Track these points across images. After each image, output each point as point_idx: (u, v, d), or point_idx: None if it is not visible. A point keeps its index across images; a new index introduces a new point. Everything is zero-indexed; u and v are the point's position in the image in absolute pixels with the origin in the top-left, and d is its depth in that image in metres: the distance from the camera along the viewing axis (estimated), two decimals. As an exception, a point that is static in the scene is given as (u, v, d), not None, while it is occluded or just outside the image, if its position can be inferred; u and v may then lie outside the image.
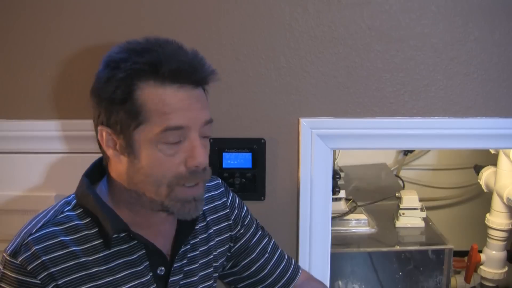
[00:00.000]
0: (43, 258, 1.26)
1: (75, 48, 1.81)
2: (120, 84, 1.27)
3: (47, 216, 1.35)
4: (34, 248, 1.27)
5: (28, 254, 1.26)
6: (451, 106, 1.81)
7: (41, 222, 1.33)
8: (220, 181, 1.66)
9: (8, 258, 1.28)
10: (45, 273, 1.26)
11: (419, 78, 1.79)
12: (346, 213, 2.54)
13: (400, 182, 3.43)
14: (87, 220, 1.35)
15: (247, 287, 1.71)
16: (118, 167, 1.35)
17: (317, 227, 1.87)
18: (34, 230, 1.30)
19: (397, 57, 1.78)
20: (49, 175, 1.91)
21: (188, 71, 1.27)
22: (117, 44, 1.33)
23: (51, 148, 1.89)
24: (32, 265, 1.25)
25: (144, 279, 1.39)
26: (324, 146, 1.82)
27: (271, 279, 1.68)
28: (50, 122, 1.85)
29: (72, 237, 1.32)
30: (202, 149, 1.30)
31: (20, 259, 1.26)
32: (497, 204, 2.84)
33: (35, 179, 1.92)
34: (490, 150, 2.83)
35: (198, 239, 1.53)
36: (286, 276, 1.70)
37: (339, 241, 2.42)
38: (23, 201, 1.93)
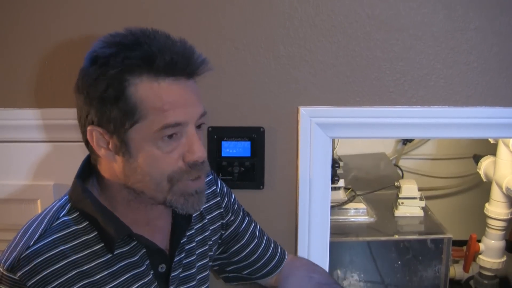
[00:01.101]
0: (44, 273, 1.22)
1: (69, 32, 1.80)
2: (112, 81, 1.21)
3: (43, 224, 1.29)
4: (34, 262, 1.22)
5: (27, 268, 1.21)
6: (451, 95, 1.80)
7: (38, 232, 1.26)
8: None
9: (5, 273, 1.22)
10: None
11: (419, 67, 1.78)
12: (345, 202, 2.54)
13: (399, 172, 3.43)
14: (85, 224, 1.31)
15: (235, 270, 1.71)
16: (112, 166, 1.31)
17: (316, 216, 1.86)
18: (32, 242, 1.25)
19: (396, 46, 1.77)
20: (48, 164, 1.91)
21: (182, 62, 1.23)
22: (100, 38, 1.27)
23: (49, 137, 1.89)
24: (33, 281, 1.21)
25: (146, 279, 1.37)
26: (323, 135, 1.82)
27: (260, 263, 1.69)
28: (48, 111, 1.85)
29: (71, 245, 1.28)
30: (199, 143, 1.28)
31: (19, 274, 1.20)
32: (496, 194, 2.85)
33: (34, 169, 1.92)
34: (490, 139, 2.83)
35: (193, 230, 1.52)
36: (276, 259, 1.71)
37: (338, 230, 2.42)
38: (21, 191, 1.92)
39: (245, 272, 1.71)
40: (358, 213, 2.55)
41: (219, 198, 1.61)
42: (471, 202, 3.53)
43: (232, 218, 1.65)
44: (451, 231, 2.47)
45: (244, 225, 1.68)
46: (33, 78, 1.83)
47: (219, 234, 1.62)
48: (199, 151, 1.27)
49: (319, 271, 1.72)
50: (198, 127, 1.31)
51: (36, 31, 1.80)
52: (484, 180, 2.97)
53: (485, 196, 2.96)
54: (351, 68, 1.78)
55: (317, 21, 1.75)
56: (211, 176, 1.62)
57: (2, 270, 1.22)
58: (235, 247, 1.67)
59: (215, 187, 1.62)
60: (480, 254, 2.90)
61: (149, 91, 1.22)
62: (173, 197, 1.29)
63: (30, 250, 1.23)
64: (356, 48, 1.77)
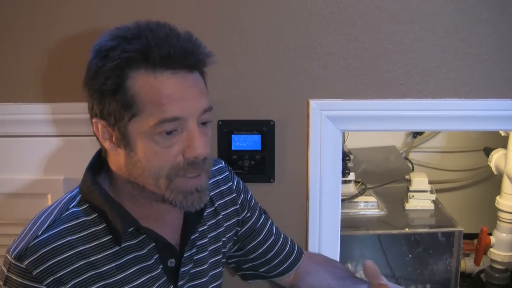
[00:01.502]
0: (50, 262, 1.22)
1: (77, 28, 1.80)
2: (110, 74, 1.22)
3: (52, 215, 1.30)
4: (41, 252, 1.23)
5: (34, 257, 1.22)
6: (462, 88, 1.79)
7: (47, 223, 1.28)
8: (224, 165, 1.64)
9: (12, 261, 1.23)
10: (52, 278, 1.22)
11: (429, 59, 1.77)
12: (355, 196, 2.53)
13: (409, 165, 3.42)
14: (94, 216, 1.32)
15: (252, 268, 1.71)
16: (117, 160, 1.31)
17: (326, 209, 1.86)
18: (40, 231, 1.26)
19: (407, 38, 1.76)
20: (58, 159, 1.91)
21: (180, 55, 1.21)
22: (107, 31, 1.28)
23: (59, 132, 1.89)
24: (38, 270, 1.21)
25: (154, 273, 1.37)
26: (334, 128, 1.81)
27: (277, 260, 1.68)
28: (58, 105, 1.85)
29: (79, 235, 1.28)
30: (201, 139, 1.25)
31: (25, 263, 1.21)
32: (507, 187, 2.83)
33: (44, 163, 1.92)
34: (501, 132, 2.82)
35: (206, 226, 1.51)
36: (293, 256, 1.70)
37: (348, 224, 2.41)
38: (31, 185, 1.92)
39: (262, 270, 1.70)
40: (369, 206, 2.54)
41: (235, 195, 1.60)
42: (481, 195, 3.51)
43: (249, 215, 1.64)
44: (462, 224, 2.46)
45: (260, 222, 1.67)
46: (42, 72, 1.84)
47: (234, 231, 1.62)
48: (199, 147, 1.24)
49: (340, 266, 1.72)
50: (204, 123, 1.30)
51: (45, 25, 1.80)
52: (495, 173, 2.95)
53: (496, 189, 2.95)
54: (361, 60, 1.77)
55: (326, 14, 1.75)
56: (227, 172, 1.62)
57: (10, 259, 1.24)
58: (252, 245, 1.66)
59: (231, 183, 1.61)
60: (491, 247, 2.89)
61: (146, 84, 1.21)
62: (171, 194, 1.27)
63: (37, 240, 1.24)
64: (366, 41, 1.76)
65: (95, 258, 1.28)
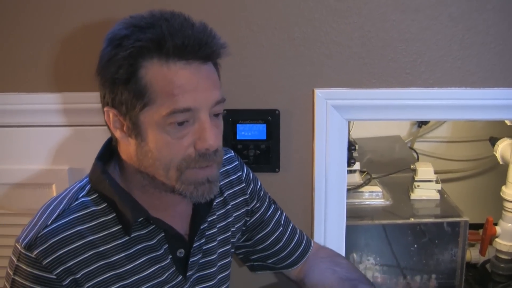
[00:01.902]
0: (60, 252, 1.23)
1: (86, 18, 1.80)
2: (123, 63, 1.21)
3: (62, 205, 1.30)
4: (51, 241, 1.23)
5: (43, 247, 1.22)
6: (468, 77, 1.78)
7: (56, 212, 1.28)
8: (233, 154, 1.64)
9: (22, 250, 1.23)
10: (62, 268, 1.22)
11: (435, 48, 1.76)
12: (361, 185, 2.53)
13: (414, 155, 3.41)
14: (103, 205, 1.32)
15: (260, 259, 1.71)
16: (128, 149, 1.31)
17: (332, 199, 1.86)
18: (50, 221, 1.26)
19: (413, 27, 1.75)
20: (62, 149, 1.91)
21: (194, 46, 1.21)
22: (121, 20, 1.27)
23: (63, 121, 1.88)
24: (48, 260, 1.22)
25: (164, 263, 1.37)
26: (339, 117, 1.80)
27: (285, 252, 1.68)
28: (62, 95, 1.85)
29: (88, 225, 1.28)
30: (213, 131, 1.25)
31: (35, 253, 1.22)
32: (512, 176, 2.82)
33: (48, 153, 1.92)
34: (506, 121, 2.80)
35: (215, 216, 1.52)
36: (301, 248, 1.70)
37: (353, 214, 2.41)
38: (36, 175, 1.92)
39: (270, 262, 1.70)
40: (374, 196, 2.53)
41: (244, 185, 1.61)
42: (487, 185, 3.51)
43: (258, 205, 1.64)
44: (467, 214, 2.45)
45: (269, 213, 1.67)
46: (48, 62, 1.83)
47: (243, 221, 1.62)
48: (211, 139, 1.24)
49: (343, 264, 1.70)
50: (216, 115, 1.29)
51: (51, 15, 1.80)
52: (501, 162, 2.94)
53: (502, 178, 2.93)
54: (366, 49, 1.76)
55: (332, 2, 1.74)
56: (237, 162, 1.62)
57: (20, 248, 1.24)
58: (260, 235, 1.66)
59: (240, 173, 1.61)
60: (497, 237, 2.88)
61: (159, 74, 1.21)
62: (182, 186, 1.27)
63: (47, 230, 1.24)
64: (372, 29, 1.75)
65: (104, 248, 1.29)
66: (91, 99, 1.79)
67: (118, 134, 1.29)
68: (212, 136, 1.24)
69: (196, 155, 1.25)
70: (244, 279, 1.90)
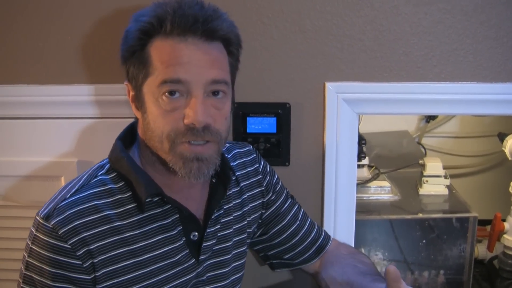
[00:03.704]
0: (76, 223, 1.26)
1: (103, 11, 1.79)
2: (133, 37, 1.29)
3: (81, 181, 1.35)
4: (67, 213, 1.27)
5: (60, 218, 1.26)
6: (480, 71, 1.77)
7: (76, 187, 1.33)
8: (252, 148, 1.66)
9: (41, 221, 1.28)
10: (77, 238, 1.25)
11: (447, 42, 1.75)
12: (369, 180, 2.51)
13: (422, 150, 3.39)
14: (121, 184, 1.35)
15: (277, 254, 1.71)
16: (140, 123, 1.37)
17: (342, 193, 1.85)
18: (69, 195, 1.31)
19: (425, 20, 1.74)
20: (71, 141, 1.91)
21: (191, 22, 1.25)
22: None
23: (72, 114, 1.88)
24: (64, 229, 1.25)
25: (177, 244, 1.39)
26: (350, 111, 1.79)
27: (302, 246, 1.68)
28: (71, 87, 1.84)
29: (105, 201, 1.32)
30: (202, 107, 1.26)
31: (52, 223, 1.25)
32: (521, 172, 2.81)
33: (57, 145, 1.91)
34: (516, 116, 2.79)
35: (231, 204, 1.53)
36: (317, 244, 1.70)
37: (362, 208, 2.39)
38: (45, 167, 1.92)
39: (287, 257, 1.71)
40: (382, 191, 2.52)
41: (260, 176, 1.63)
42: (495, 181, 3.49)
43: (273, 197, 1.65)
44: (474, 210, 2.44)
45: (285, 206, 1.68)
46: (57, 54, 1.83)
47: (259, 212, 1.63)
48: (196, 114, 1.26)
49: (365, 261, 1.70)
50: (216, 95, 1.31)
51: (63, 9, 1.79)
52: (510, 158, 2.92)
53: (510, 174, 2.92)
54: (378, 42, 1.76)
55: (344, -6, 1.73)
56: (254, 155, 1.65)
57: (39, 219, 1.29)
58: (276, 228, 1.67)
59: (257, 165, 1.64)
60: (505, 233, 2.87)
61: (159, 47, 1.28)
62: (173, 158, 1.30)
63: (65, 202, 1.29)
64: (384, 22, 1.74)
65: (119, 223, 1.32)
66: (101, 91, 1.81)
67: (133, 108, 1.36)
68: (199, 111, 1.26)
69: (185, 130, 1.27)
70: (257, 274, 1.92)
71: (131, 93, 1.36)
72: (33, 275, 1.28)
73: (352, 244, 1.91)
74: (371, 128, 3.31)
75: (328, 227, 1.87)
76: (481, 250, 2.96)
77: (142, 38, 1.28)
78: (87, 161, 1.86)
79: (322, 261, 1.71)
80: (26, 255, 1.31)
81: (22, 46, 1.83)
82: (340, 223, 1.87)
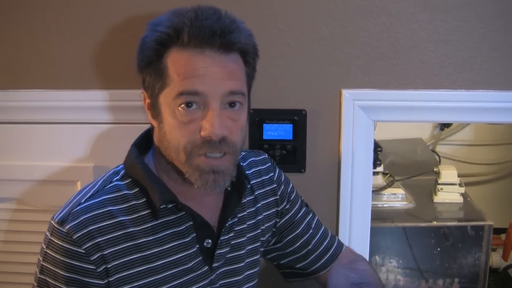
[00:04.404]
0: (90, 228, 1.27)
1: (119, 17, 1.80)
2: (150, 47, 1.29)
3: (96, 186, 1.35)
4: (82, 218, 1.27)
5: (75, 222, 1.26)
6: (496, 79, 1.77)
7: (90, 192, 1.33)
8: (267, 156, 1.66)
9: (55, 225, 1.28)
10: (91, 243, 1.26)
11: (463, 50, 1.75)
12: (384, 187, 2.51)
13: (436, 157, 3.39)
14: (136, 190, 1.36)
15: (290, 263, 1.70)
16: (156, 132, 1.37)
17: (358, 200, 1.85)
18: (83, 200, 1.31)
19: (441, 28, 1.74)
20: (88, 146, 1.92)
21: (208, 35, 1.24)
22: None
23: (90, 119, 1.89)
24: (78, 234, 1.25)
25: (190, 251, 1.39)
26: (366, 118, 1.80)
27: (314, 255, 1.67)
28: (89, 92, 1.86)
29: (120, 207, 1.33)
30: (219, 119, 1.26)
31: (67, 228, 1.26)
32: (536, 181, 2.80)
33: (74, 150, 1.92)
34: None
35: (245, 213, 1.53)
36: (330, 252, 1.69)
37: (376, 216, 2.39)
38: (61, 172, 1.93)
39: (299, 266, 1.70)
40: (397, 198, 2.52)
41: (275, 185, 1.62)
42: (510, 189, 3.48)
43: (288, 206, 1.65)
44: (490, 218, 2.43)
45: (300, 215, 1.67)
46: (75, 60, 1.84)
47: (273, 221, 1.63)
48: (213, 127, 1.25)
49: (360, 270, 1.67)
50: (233, 107, 1.31)
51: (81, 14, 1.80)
52: (524, 166, 2.93)
53: (525, 183, 2.92)
54: (394, 50, 1.76)
55: (360, 2, 1.73)
56: (270, 163, 1.64)
57: (54, 223, 1.29)
58: (289, 237, 1.66)
59: (272, 174, 1.63)
60: (520, 242, 2.86)
61: (175, 59, 1.27)
62: (189, 170, 1.30)
63: (79, 207, 1.30)
64: (400, 30, 1.74)
65: (133, 229, 1.32)
66: (118, 97, 1.82)
67: (149, 116, 1.36)
68: (215, 124, 1.26)
69: (201, 142, 1.27)
70: (271, 283, 1.91)
71: (147, 100, 1.36)
72: (48, 279, 1.29)
73: (367, 251, 1.91)
74: (385, 136, 3.31)
75: (343, 234, 1.87)
76: (495, 259, 2.95)
77: (158, 49, 1.28)
78: (103, 166, 1.87)
79: (330, 270, 1.70)
80: (40, 259, 1.31)
81: (40, 51, 1.85)
82: (355, 231, 1.87)
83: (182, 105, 1.26)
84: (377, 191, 2.49)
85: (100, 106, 1.86)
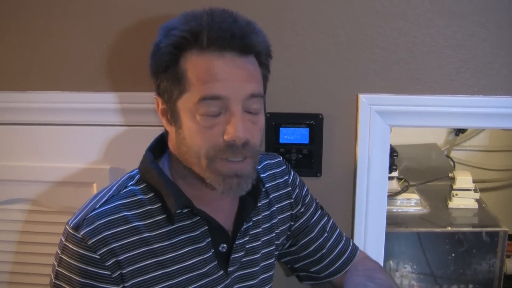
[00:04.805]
0: (105, 234, 1.27)
1: (132, 19, 1.80)
2: (166, 52, 1.28)
3: (111, 191, 1.35)
4: (97, 223, 1.27)
5: (90, 228, 1.26)
6: (514, 84, 1.76)
7: (105, 197, 1.33)
8: (282, 159, 1.66)
9: (70, 231, 1.28)
10: (106, 249, 1.26)
11: (481, 55, 1.74)
12: (399, 193, 2.51)
13: (451, 163, 3.38)
14: (151, 195, 1.35)
15: (304, 267, 1.70)
16: (172, 137, 1.36)
17: (373, 205, 1.84)
18: (98, 205, 1.31)
19: (459, 33, 1.73)
20: (104, 148, 1.92)
21: (228, 37, 1.24)
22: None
23: (106, 121, 1.90)
24: (93, 240, 1.25)
25: (206, 256, 1.39)
26: (383, 123, 1.79)
27: (328, 259, 1.67)
28: (106, 94, 1.86)
29: (135, 212, 1.32)
30: (242, 123, 1.26)
31: (82, 233, 1.26)
32: (551, 187, 2.79)
33: (90, 152, 1.93)
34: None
35: (260, 216, 1.53)
36: (344, 256, 1.68)
37: (391, 221, 2.38)
38: (78, 174, 1.94)
39: (313, 270, 1.70)
40: (411, 203, 2.51)
41: (290, 188, 1.62)
42: (524, 196, 3.47)
43: (302, 210, 1.65)
44: (505, 224, 2.42)
45: (314, 218, 1.67)
46: (90, 62, 1.85)
47: (288, 224, 1.63)
48: (237, 131, 1.25)
49: (378, 279, 1.65)
50: (252, 110, 1.30)
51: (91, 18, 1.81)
52: (539, 173, 2.91)
53: (540, 189, 2.91)
54: (412, 55, 1.75)
55: (378, 7, 1.73)
56: (284, 166, 1.64)
57: (69, 229, 1.30)
58: (304, 240, 1.66)
59: (287, 177, 1.63)
60: (534, 248, 2.85)
61: (195, 63, 1.26)
62: (211, 176, 1.29)
63: (94, 212, 1.30)
64: (418, 35, 1.74)
65: (148, 235, 1.32)
66: (135, 99, 1.82)
67: (164, 121, 1.36)
68: (239, 127, 1.25)
69: (224, 146, 1.27)
70: (285, 286, 1.92)
71: (161, 106, 1.35)
72: (63, 284, 1.29)
73: (382, 256, 1.91)
74: (399, 141, 3.30)
75: (358, 239, 1.87)
76: (510, 265, 2.93)
77: (175, 53, 1.27)
78: (119, 169, 1.88)
79: (344, 276, 1.69)
80: (56, 264, 1.31)
81: (56, 53, 1.86)
82: (370, 235, 1.86)
83: (204, 110, 1.25)
84: (392, 196, 2.48)
85: (115, 108, 1.86)
